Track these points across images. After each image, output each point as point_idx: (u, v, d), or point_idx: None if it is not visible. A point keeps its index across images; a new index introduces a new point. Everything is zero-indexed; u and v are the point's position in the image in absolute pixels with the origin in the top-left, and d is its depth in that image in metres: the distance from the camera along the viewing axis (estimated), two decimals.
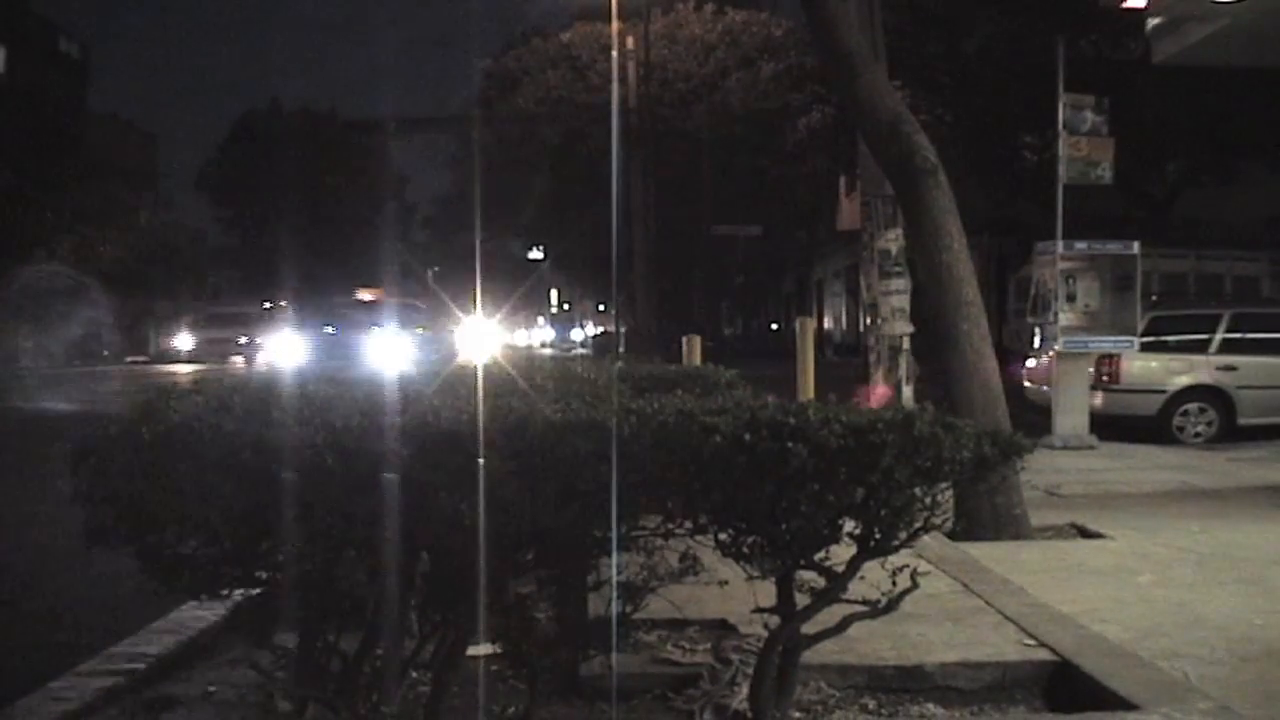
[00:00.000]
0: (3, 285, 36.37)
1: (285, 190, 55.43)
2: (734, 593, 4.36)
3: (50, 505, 3.70)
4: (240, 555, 3.25)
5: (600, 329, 54.14)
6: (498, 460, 3.13)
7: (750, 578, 3.59)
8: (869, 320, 11.31)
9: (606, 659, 4.24)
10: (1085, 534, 7.76)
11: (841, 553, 3.56)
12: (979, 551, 6.84)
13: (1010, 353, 15.73)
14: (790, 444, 3.24)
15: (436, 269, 61.67)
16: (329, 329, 28.01)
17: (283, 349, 28.39)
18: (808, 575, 3.62)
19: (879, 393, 9.73)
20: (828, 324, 45.61)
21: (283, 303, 45.13)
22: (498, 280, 50.54)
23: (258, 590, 3.36)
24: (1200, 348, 14.19)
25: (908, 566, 3.64)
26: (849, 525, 3.48)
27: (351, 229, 61.11)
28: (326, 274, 53.59)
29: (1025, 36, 19.68)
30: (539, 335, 78.79)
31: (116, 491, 3.13)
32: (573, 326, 79.12)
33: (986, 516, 7.36)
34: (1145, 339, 13.69)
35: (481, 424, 3.15)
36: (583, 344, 59.07)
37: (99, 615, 5.56)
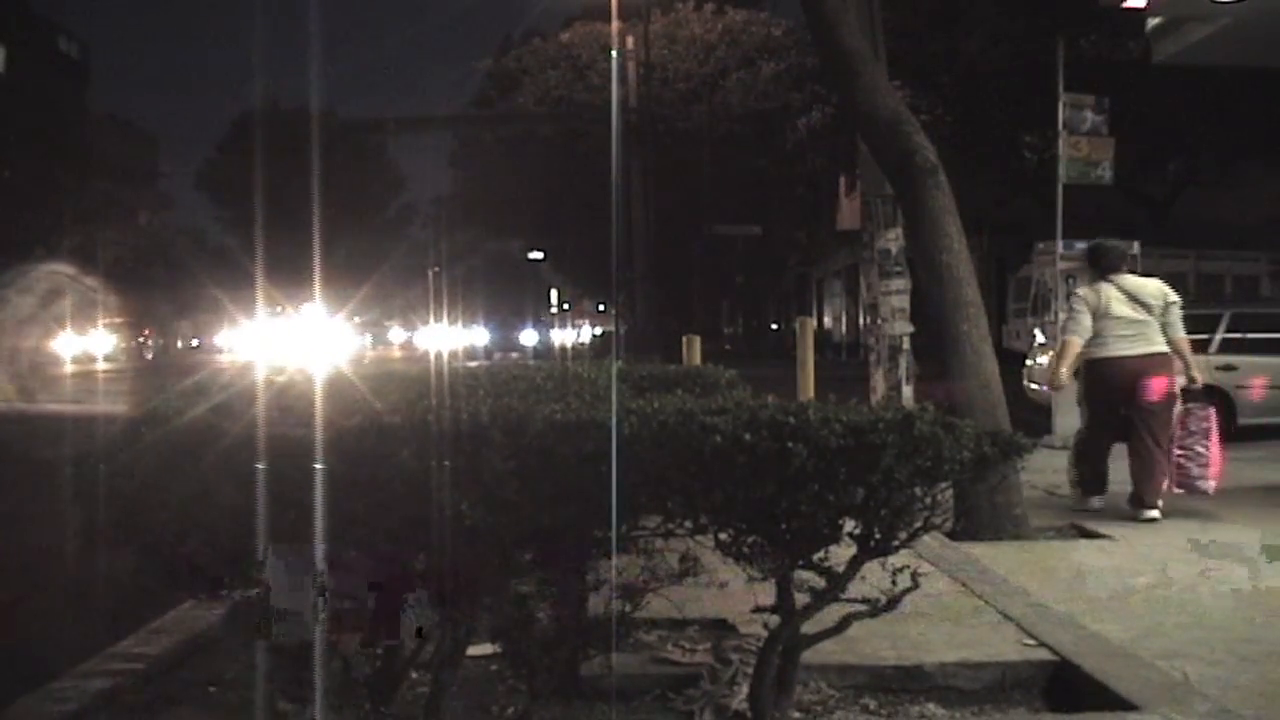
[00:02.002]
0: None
1: (285, 190, 55.39)
2: (734, 593, 4.35)
3: None
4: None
5: (599, 329, 50.16)
6: (498, 460, 3.13)
7: (750, 579, 3.59)
8: (869, 320, 11.31)
9: (606, 659, 4.23)
10: (1085, 534, 7.75)
11: (841, 553, 3.56)
12: (979, 551, 6.83)
13: (1010, 353, 15.75)
14: (790, 444, 3.23)
15: (437, 268, 61.39)
16: None
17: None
18: (807, 575, 3.62)
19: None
20: (828, 324, 45.65)
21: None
22: (491, 280, 50.33)
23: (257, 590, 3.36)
24: (1200, 348, 14.14)
25: (908, 566, 3.64)
26: (849, 525, 3.48)
27: (350, 229, 61.06)
28: (326, 274, 53.50)
29: (1025, 36, 19.71)
30: (471, 338, 51.09)
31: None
32: (522, 328, 53.81)
33: (986, 516, 7.35)
34: None
35: (483, 423, 3.15)
36: (538, 353, 42.40)
37: (99, 615, 5.55)
